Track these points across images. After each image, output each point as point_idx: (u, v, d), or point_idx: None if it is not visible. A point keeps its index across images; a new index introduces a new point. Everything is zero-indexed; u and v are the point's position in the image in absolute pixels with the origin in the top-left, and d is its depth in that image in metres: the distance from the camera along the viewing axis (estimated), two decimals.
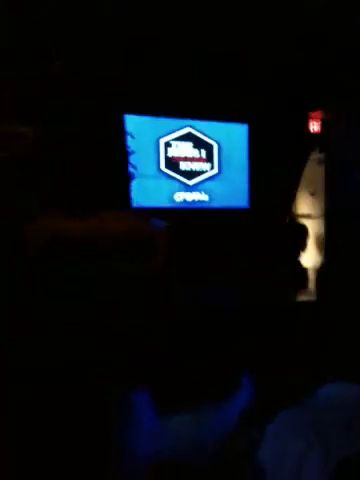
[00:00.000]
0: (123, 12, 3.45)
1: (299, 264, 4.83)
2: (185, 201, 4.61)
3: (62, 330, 3.40)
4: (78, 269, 3.78)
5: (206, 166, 4.67)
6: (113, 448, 2.47)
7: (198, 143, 4.62)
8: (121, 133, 4.33)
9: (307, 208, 4.84)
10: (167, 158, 4.52)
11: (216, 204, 4.70)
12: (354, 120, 4.15)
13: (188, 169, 4.60)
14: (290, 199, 4.84)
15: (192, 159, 4.61)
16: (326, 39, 3.84)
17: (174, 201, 4.57)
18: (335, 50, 3.97)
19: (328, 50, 3.99)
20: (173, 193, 4.56)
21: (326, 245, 4.58)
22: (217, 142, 4.69)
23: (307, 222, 4.82)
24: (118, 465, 2.31)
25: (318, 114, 4.84)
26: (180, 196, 4.59)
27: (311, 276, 4.65)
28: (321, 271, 4.41)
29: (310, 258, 4.77)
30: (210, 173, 4.68)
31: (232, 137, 4.76)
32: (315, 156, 4.76)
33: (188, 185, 4.61)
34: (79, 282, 3.75)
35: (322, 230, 4.65)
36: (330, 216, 4.64)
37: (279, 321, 3.70)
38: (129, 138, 4.36)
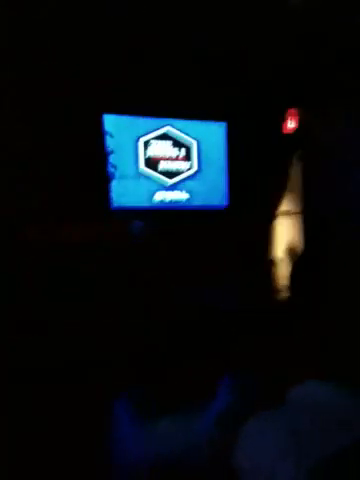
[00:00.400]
0: (107, 11, 3.41)
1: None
2: (165, 201, 4.63)
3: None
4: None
5: (185, 165, 4.69)
6: (104, 448, 2.54)
7: (177, 142, 4.63)
8: (100, 133, 4.29)
9: (286, 205, 4.95)
10: (146, 158, 4.51)
11: (196, 203, 4.73)
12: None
13: (167, 169, 4.61)
14: (271, 197, 4.91)
15: (171, 158, 4.61)
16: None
17: (154, 201, 4.58)
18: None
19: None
20: (153, 193, 4.57)
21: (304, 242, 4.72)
22: (196, 140, 4.70)
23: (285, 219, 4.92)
24: (110, 465, 2.37)
25: (294, 112, 4.91)
26: (160, 196, 4.60)
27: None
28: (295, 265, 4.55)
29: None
30: (189, 172, 4.71)
31: (210, 136, 4.78)
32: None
33: (167, 185, 4.63)
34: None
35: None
36: (307, 213, 4.78)
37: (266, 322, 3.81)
38: (108, 138, 4.33)
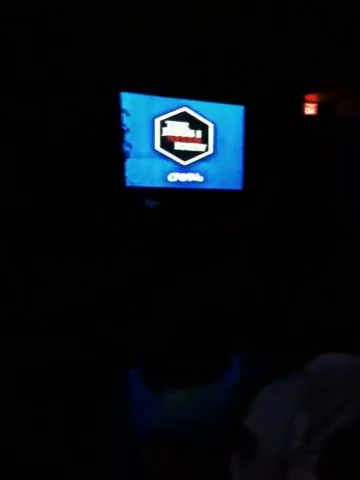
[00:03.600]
0: None
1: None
2: (179, 182, 4.60)
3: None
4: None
5: (201, 147, 4.65)
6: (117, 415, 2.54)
7: (194, 123, 4.58)
8: (117, 111, 4.28)
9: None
10: (162, 137, 4.49)
11: (210, 185, 4.69)
12: None
13: (183, 149, 4.57)
14: (287, 182, 4.83)
15: (187, 139, 4.58)
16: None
17: (168, 181, 4.55)
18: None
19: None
20: (167, 173, 4.54)
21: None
22: (213, 123, 4.66)
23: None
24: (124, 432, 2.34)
25: (314, 96, 4.83)
26: (174, 176, 4.57)
27: None
28: None
29: None
30: (205, 154, 4.66)
31: (228, 118, 4.73)
32: None
33: (182, 165, 4.59)
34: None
35: None
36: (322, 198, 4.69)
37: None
38: (124, 116, 4.31)
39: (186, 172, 4.61)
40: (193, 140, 4.60)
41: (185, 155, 4.58)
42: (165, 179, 4.54)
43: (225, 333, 3.54)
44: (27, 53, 3.84)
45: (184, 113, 4.55)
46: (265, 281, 4.24)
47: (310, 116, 4.79)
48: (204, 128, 4.63)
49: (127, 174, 4.35)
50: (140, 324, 3.59)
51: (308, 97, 4.81)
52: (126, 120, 4.32)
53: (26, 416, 2.40)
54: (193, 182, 4.65)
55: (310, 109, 4.83)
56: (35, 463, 2.02)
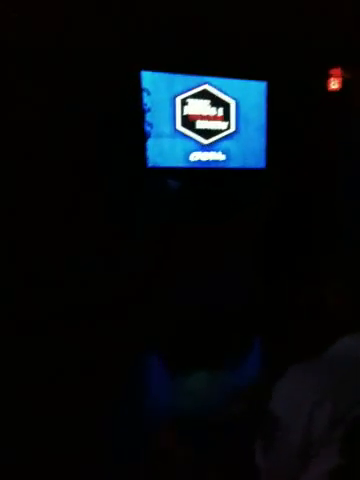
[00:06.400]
0: None
1: None
2: (200, 161, 4.55)
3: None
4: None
5: (223, 125, 4.58)
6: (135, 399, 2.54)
7: (215, 101, 4.51)
8: (137, 90, 4.24)
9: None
10: (183, 116, 4.43)
11: (232, 164, 4.63)
12: None
13: (204, 128, 4.52)
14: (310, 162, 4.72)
15: (208, 117, 4.52)
16: None
17: (190, 161, 4.51)
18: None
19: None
20: (189, 152, 4.50)
21: None
22: (235, 100, 4.58)
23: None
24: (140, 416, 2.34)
25: (338, 71, 4.69)
26: (196, 156, 4.53)
27: None
28: None
29: None
30: (227, 132, 4.60)
31: (250, 95, 4.64)
32: None
33: (204, 145, 4.54)
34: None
35: None
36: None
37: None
38: (145, 95, 4.27)
39: (208, 151, 4.56)
40: (215, 118, 4.53)
41: (207, 133, 4.53)
42: (187, 159, 4.50)
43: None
44: (44, 36, 3.81)
45: (205, 91, 4.48)
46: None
47: (335, 91, 4.66)
48: (226, 106, 4.56)
49: (149, 154, 4.32)
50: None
51: (333, 71, 4.67)
52: (147, 99, 4.28)
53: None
54: (215, 161, 4.59)
55: (334, 84, 4.69)
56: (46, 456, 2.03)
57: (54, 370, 2.79)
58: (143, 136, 4.30)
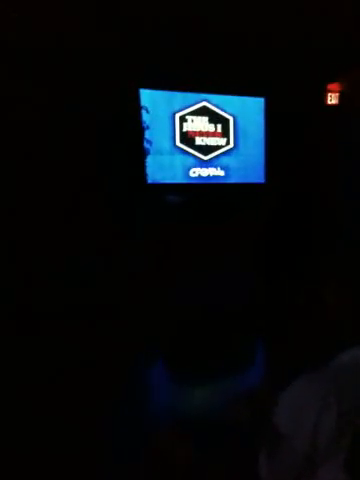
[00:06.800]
0: None
1: None
2: (200, 176, 4.56)
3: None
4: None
5: (222, 141, 4.60)
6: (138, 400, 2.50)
7: (214, 117, 4.55)
8: (136, 108, 4.28)
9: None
10: (182, 133, 4.46)
11: (232, 179, 4.65)
12: None
13: (203, 144, 4.54)
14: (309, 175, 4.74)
15: (208, 134, 4.54)
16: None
17: (189, 177, 4.53)
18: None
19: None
20: (188, 169, 4.52)
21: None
22: (233, 116, 4.61)
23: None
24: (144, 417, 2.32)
25: (336, 86, 4.72)
26: (195, 171, 4.55)
27: None
28: None
29: None
30: (226, 148, 4.62)
31: (248, 111, 4.67)
32: None
33: (203, 160, 4.56)
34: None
35: None
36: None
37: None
38: (144, 113, 4.31)
39: (207, 167, 4.58)
40: (214, 134, 4.56)
41: (206, 150, 4.55)
42: (187, 175, 4.52)
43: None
44: (44, 52, 3.85)
45: (204, 107, 4.52)
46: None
47: (332, 106, 4.68)
48: (224, 122, 4.59)
49: (148, 171, 4.34)
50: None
51: (330, 86, 4.71)
52: (146, 117, 4.32)
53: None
54: (215, 177, 4.61)
55: (333, 99, 4.72)
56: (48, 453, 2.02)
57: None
58: (142, 153, 4.32)
